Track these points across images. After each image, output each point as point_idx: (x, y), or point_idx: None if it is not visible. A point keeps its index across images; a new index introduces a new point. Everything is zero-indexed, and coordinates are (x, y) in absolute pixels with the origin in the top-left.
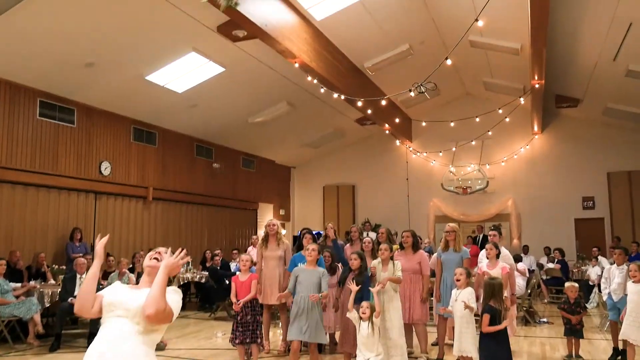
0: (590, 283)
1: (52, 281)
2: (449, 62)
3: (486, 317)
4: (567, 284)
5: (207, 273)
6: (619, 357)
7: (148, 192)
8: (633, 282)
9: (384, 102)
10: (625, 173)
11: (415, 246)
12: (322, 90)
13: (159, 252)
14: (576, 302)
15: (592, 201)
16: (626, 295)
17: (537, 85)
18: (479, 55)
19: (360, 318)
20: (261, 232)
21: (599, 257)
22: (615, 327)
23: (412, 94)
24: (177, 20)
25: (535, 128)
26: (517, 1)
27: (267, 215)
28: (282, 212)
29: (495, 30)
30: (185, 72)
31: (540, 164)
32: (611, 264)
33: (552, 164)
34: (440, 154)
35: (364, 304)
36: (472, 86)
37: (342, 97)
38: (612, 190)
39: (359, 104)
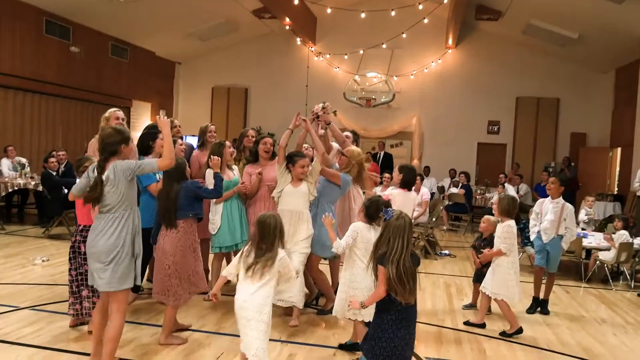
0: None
1: None
2: None
3: (381, 273)
4: (485, 217)
5: None
6: (539, 309)
7: None
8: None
9: None
10: (535, 99)
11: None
12: None
13: None
14: (491, 238)
15: (498, 126)
16: (559, 235)
17: None
18: None
19: None
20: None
21: (506, 184)
22: (539, 274)
23: None
24: None
25: (450, 41)
26: None
27: (143, 115)
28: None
29: None
30: None
31: (450, 82)
32: (516, 192)
33: (462, 83)
34: (346, 56)
35: None
36: None
37: None
38: (518, 116)
39: None
